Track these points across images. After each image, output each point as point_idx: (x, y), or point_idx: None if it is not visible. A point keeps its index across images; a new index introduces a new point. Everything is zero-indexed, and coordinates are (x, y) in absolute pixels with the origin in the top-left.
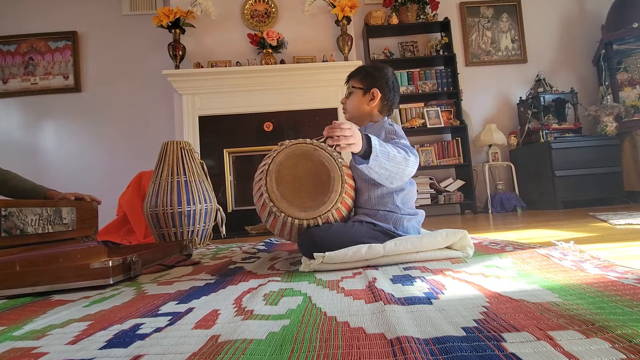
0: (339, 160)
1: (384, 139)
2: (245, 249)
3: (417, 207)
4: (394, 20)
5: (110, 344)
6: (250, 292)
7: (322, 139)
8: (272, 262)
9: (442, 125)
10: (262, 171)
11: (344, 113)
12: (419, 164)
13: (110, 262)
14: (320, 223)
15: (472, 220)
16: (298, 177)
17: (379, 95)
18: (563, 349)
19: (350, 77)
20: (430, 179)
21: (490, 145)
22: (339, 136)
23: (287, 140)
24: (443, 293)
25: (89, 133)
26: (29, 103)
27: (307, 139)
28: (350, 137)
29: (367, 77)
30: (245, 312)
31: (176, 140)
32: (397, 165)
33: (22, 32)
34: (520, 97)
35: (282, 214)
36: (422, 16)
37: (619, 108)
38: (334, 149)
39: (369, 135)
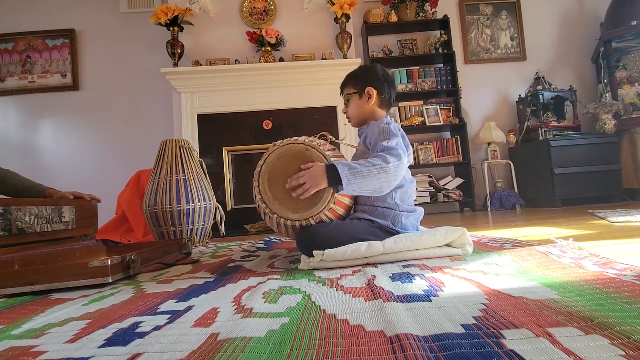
0: (332, 159)
1: (376, 138)
2: (245, 247)
3: (416, 205)
4: (393, 18)
5: (110, 342)
6: (250, 290)
7: (317, 137)
8: (271, 260)
9: (441, 123)
10: (255, 173)
11: (349, 121)
12: (418, 162)
13: (109, 260)
14: (313, 224)
15: (471, 218)
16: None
17: (375, 92)
18: (562, 346)
19: (343, 87)
20: (429, 176)
21: (489, 143)
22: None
23: (280, 140)
24: (442, 290)
25: (87, 131)
26: (26, 101)
27: (300, 138)
28: (306, 184)
29: (358, 80)
30: (245, 310)
31: (175, 138)
32: (377, 178)
33: (19, 30)
34: (519, 95)
35: (275, 215)
36: (421, 14)
37: (617, 106)
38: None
39: (335, 163)
